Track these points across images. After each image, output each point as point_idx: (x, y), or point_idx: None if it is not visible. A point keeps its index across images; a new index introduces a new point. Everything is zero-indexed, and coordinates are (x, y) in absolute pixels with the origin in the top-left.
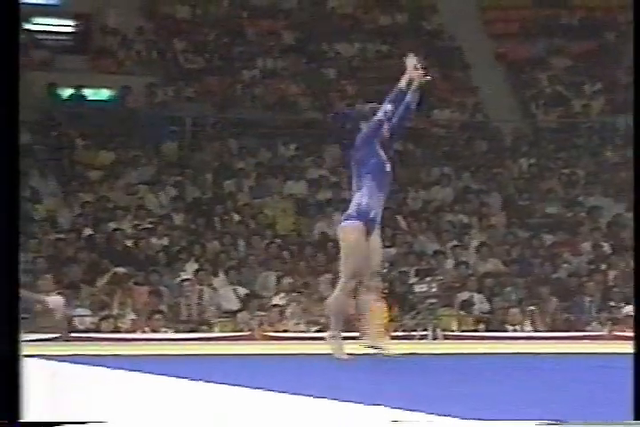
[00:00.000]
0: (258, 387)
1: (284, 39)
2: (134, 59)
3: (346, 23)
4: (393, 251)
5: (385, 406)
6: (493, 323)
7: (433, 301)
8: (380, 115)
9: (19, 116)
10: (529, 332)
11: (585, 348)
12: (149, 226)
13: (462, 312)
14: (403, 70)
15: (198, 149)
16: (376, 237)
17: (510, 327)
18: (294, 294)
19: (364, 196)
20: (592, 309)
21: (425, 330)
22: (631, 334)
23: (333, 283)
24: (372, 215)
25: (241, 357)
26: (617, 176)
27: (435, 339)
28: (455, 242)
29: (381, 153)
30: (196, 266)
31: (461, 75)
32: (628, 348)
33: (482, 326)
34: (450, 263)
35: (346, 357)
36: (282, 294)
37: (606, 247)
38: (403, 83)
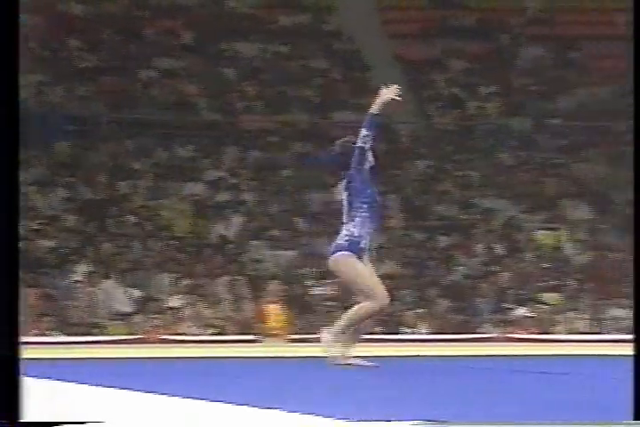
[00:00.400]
0: (149, 391)
1: (183, 38)
2: (26, 56)
3: (246, 23)
4: (291, 253)
5: (279, 409)
6: (390, 325)
7: (331, 303)
8: (359, 142)
9: (19, 116)
10: (424, 334)
11: (477, 350)
12: (38, 227)
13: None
14: (307, 72)
15: (92, 149)
16: (366, 263)
17: (406, 330)
18: (190, 297)
19: (356, 226)
20: (485, 311)
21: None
22: (524, 336)
23: (230, 286)
24: (362, 245)
25: (135, 360)
26: (511, 178)
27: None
28: None
29: (373, 182)
30: (87, 268)
31: (361, 76)
32: (520, 350)
33: (378, 329)
34: None
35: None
36: (178, 297)
37: (500, 249)
38: (375, 108)
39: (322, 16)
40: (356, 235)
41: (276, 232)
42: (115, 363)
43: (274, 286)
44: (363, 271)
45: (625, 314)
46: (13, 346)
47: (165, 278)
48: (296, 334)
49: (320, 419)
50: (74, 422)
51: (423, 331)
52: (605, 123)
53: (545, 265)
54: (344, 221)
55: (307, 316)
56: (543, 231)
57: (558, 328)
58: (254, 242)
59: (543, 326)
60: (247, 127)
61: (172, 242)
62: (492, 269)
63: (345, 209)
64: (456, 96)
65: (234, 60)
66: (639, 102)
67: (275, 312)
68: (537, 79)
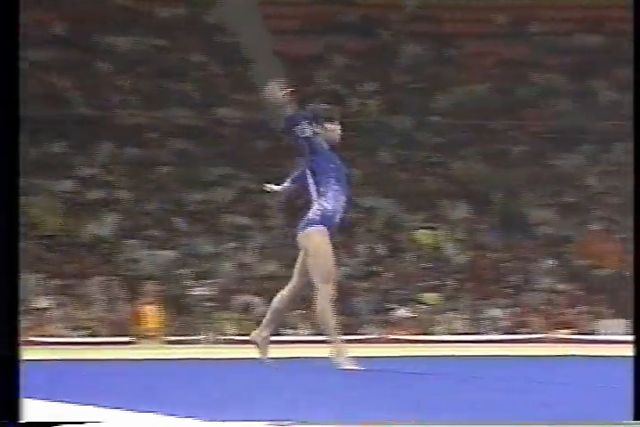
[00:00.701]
0: None
1: (55, 30)
2: None
3: (122, 15)
4: (170, 253)
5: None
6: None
7: (210, 304)
8: (300, 135)
9: (19, 116)
10: (306, 335)
11: (359, 351)
12: None
13: (241, 316)
14: (186, 66)
15: None
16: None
17: (289, 331)
18: (60, 298)
19: (328, 201)
20: (367, 311)
21: (202, 334)
22: (405, 337)
23: (104, 286)
24: (336, 220)
25: None
26: (392, 177)
27: (211, 343)
28: (234, 244)
29: (337, 156)
30: None
31: (241, 71)
32: (402, 351)
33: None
34: (229, 266)
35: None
36: (46, 298)
37: (381, 249)
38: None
39: (201, 9)
40: (329, 209)
41: (153, 231)
42: None
43: (150, 286)
44: (330, 253)
45: (502, 314)
46: (13, 346)
47: (32, 279)
48: (173, 335)
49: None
50: (74, 422)
51: (305, 332)
52: (483, 121)
53: (425, 265)
54: (314, 198)
55: (185, 317)
56: (423, 231)
57: (438, 328)
58: (130, 241)
59: (423, 327)
60: (123, 123)
61: (40, 241)
62: (374, 269)
63: (313, 187)
64: (337, 93)
65: (109, 54)
66: (639, 102)
67: (151, 313)
68: (417, 77)
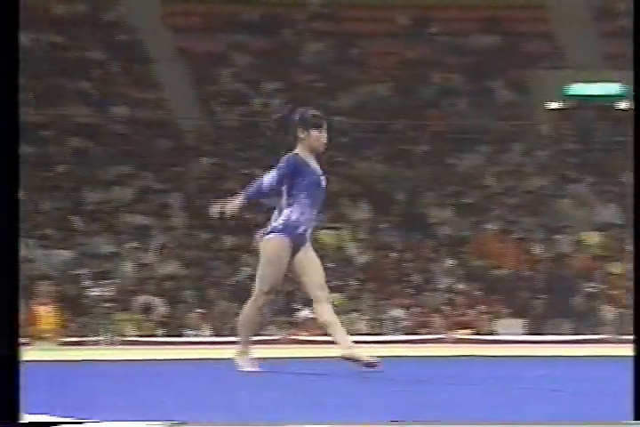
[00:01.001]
0: None
1: None
2: None
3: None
4: (67, 253)
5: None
6: (173, 327)
7: (109, 305)
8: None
9: (19, 116)
10: (208, 336)
11: (263, 352)
12: None
13: (141, 316)
14: (84, 64)
15: None
16: (310, 252)
17: (189, 332)
18: None
19: (294, 211)
20: (271, 312)
21: (100, 335)
22: (308, 338)
23: None
24: (300, 231)
25: None
26: None
27: (110, 345)
28: (134, 244)
29: (317, 169)
30: None
31: (142, 69)
32: (307, 352)
33: (161, 331)
34: (128, 266)
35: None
36: None
37: None
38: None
39: (101, 5)
40: (293, 219)
41: (48, 231)
42: None
43: (45, 286)
44: (283, 264)
45: (404, 314)
46: (13, 346)
47: None
48: (70, 336)
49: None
50: (73, 422)
51: (207, 333)
52: (385, 121)
53: (328, 265)
54: (283, 206)
55: (83, 318)
56: (325, 231)
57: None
58: (25, 241)
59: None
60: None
61: None
62: None
63: (284, 195)
64: (240, 92)
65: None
66: (639, 102)
67: (46, 314)
68: (319, 76)
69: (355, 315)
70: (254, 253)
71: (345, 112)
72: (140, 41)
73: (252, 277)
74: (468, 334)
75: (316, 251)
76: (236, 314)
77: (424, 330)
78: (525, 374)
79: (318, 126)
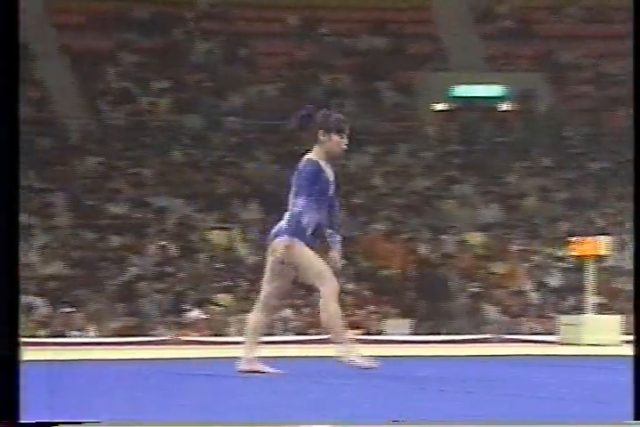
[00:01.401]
0: None
1: None
2: None
3: None
4: None
5: None
6: (56, 328)
7: None
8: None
9: (19, 117)
10: (94, 337)
11: (153, 353)
12: None
13: (23, 317)
14: None
15: None
16: (333, 253)
17: (74, 333)
18: None
19: (302, 214)
20: (158, 313)
21: None
22: (198, 339)
23: None
24: (307, 234)
25: None
26: (184, 177)
27: None
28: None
29: (331, 175)
30: None
31: (25, 66)
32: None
33: (43, 332)
34: None
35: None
36: None
37: (174, 249)
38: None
39: None
40: (302, 222)
41: None
42: None
43: None
44: (310, 255)
45: (294, 315)
46: (13, 347)
47: None
48: None
49: None
50: (73, 422)
51: (91, 334)
52: (275, 121)
53: (218, 266)
54: (290, 206)
55: None
56: (216, 231)
57: (231, 330)
58: None
59: (216, 328)
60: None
61: None
62: (166, 269)
63: (292, 195)
64: (127, 91)
65: None
66: (639, 102)
67: None
68: (209, 75)
69: (245, 316)
70: (144, 253)
71: (235, 112)
72: (24, 38)
73: (140, 278)
74: (357, 335)
75: (207, 251)
76: (125, 314)
77: (314, 330)
78: (414, 374)
79: (341, 131)
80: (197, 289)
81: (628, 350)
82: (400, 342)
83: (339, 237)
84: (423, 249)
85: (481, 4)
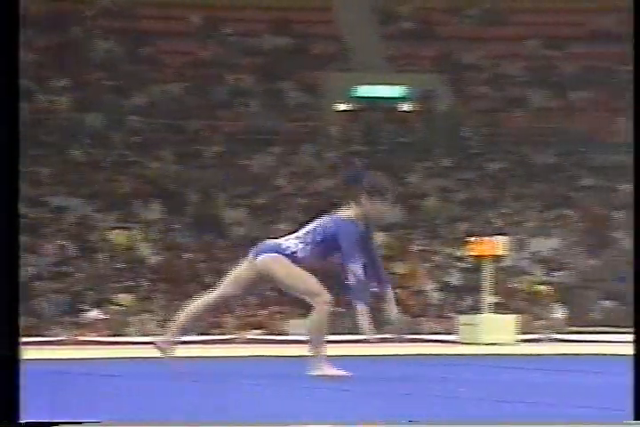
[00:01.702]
0: None
1: None
2: None
3: None
4: None
5: None
6: None
7: None
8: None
9: (18, 117)
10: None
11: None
12: None
13: None
14: None
15: None
16: (390, 306)
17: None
18: None
19: (305, 250)
20: (56, 313)
21: None
22: (96, 339)
23: None
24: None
25: None
26: (84, 176)
27: None
28: None
29: (368, 231)
30: None
31: None
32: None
33: None
34: None
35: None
36: None
37: (72, 249)
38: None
39: None
40: (299, 256)
41: None
42: None
43: None
44: (298, 270)
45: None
46: (13, 347)
47: None
48: None
49: None
50: (72, 422)
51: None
52: (178, 121)
53: (119, 266)
54: (299, 237)
55: None
56: (117, 231)
57: (131, 330)
58: None
59: (116, 328)
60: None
61: None
62: (64, 269)
63: (310, 234)
64: (26, 89)
65: None
66: (639, 102)
67: None
68: (111, 74)
69: (146, 316)
70: (41, 253)
71: (137, 111)
72: None
73: (37, 278)
74: (260, 335)
75: (107, 251)
76: (21, 314)
77: (216, 330)
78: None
79: (384, 198)
80: (97, 289)
81: (525, 349)
82: (303, 342)
83: (390, 289)
84: None
85: (383, 5)
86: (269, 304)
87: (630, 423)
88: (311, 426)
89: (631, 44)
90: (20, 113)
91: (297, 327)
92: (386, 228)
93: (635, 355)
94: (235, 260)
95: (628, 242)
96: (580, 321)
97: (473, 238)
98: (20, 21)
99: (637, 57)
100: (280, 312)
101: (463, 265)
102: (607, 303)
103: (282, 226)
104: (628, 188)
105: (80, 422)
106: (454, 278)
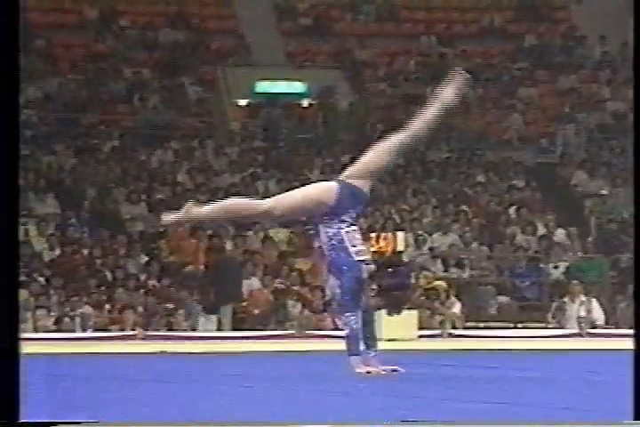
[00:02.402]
0: None
1: None
2: None
3: None
4: None
5: None
6: None
7: None
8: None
9: (19, 117)
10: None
11: None
12: None
13: None
14: None
15: None
16: None
17: None
18: None
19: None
20: None
21: None
22: None
23: None
24: None
25: None
26: None
27: None
28: None
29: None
30: None
31: None
32: None
33: None
34: None
35: None
36: None
37: None
38: None
39: None
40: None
41: None
42: None
43: None
44: None
45: (94, 311)
46: (13, 345)
47: None
48: None
49: None
50: (70, 421)
51: None
52: (74, 114)
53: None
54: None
55: None
56: None
57: (27, 326)
58: None
59: None
60: None
61: None
62: None
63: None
64: None
65: None
66: (639, 102)
67: None
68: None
69: (42, 312)
70: None
71: (31, 105)
72: None
73: None
74: (161, 331)
75: None
76: None
77: (116, 326)
78: (220, 372)
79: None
80: None
81: (424, 345)
82: (206, 337)
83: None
84: (229, 245)
85: (281, 1)
86: (171, 300)
87: (630, 423)
88: (311, 426)
89: (522, 42)
90: (20, 113)
91: (199, 323)
92: (288, 224)
93: (635, 354)
94: (133, 255)
95: (521, 238)
96: (476, 316)
97: (372, 234)
98: (19, 22)
99: (637, 56)
100: (182, 308)
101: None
102: (502, 299)
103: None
104: (519, 183)
105: (78, 423)
106: None
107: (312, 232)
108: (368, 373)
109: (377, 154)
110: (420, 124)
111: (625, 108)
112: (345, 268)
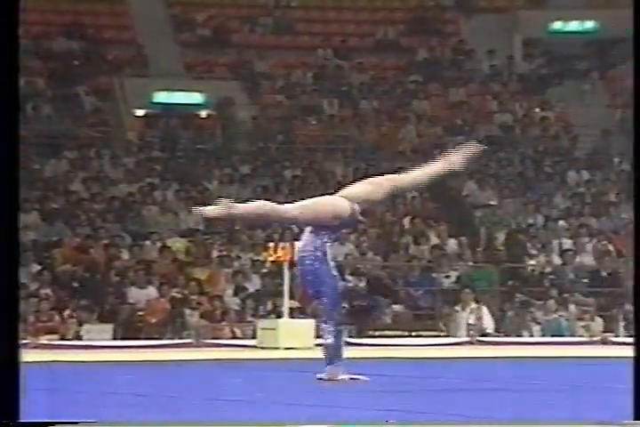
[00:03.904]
0: None
1: None
2: None
3: None
4: None
5: None
6: None
7: None
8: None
9: (19, 117)
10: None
11: None
12: None
13: None
14: None
15: None
16: None
17: None
18: None
19: None
20: None
21: None
22: None
23: None
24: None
25: None
26: None
27: None
28: None
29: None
30: None
31: None
32: None
33: None
34: None
35: None
36: None
37: None
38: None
39: None
40: None
41: None
42: None
43: None
44: None
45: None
46: (13, 349)
47: None
48: None
49: None
50: (68, 422)
51: None
52: None
53: None
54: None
55: None
56: None
57: None
58: None
59: None
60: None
61: None
62: None
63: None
64: None
65: None
66: (639, 102)
67: None
68: None
69: None
70: None
71: None
72: None
73: None
74: (53, 340)
75: None
76: None
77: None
78: (112, 379)
79: None
80: None
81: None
82: (99, 347)
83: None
84: (125, 255)
85: (179, 12)
86: (64, 309)
87: (630, 423)
88: (311, 426)
89: (414, 55)
90: (20, 113)
91: (93, 332)
92: (186, 233)
93: (634, 357)
94: (24, 264)
95: (414, 248)
96: (372, 325)
97: (272, 244)
98: (19, 23)
99: (637, 57)
100: (74, 317)
101: (263, 270)
102: (397, 307)
103: (77, 231)
104: (412, 194)
105: (77, 422)
106: (254, 284)
107: (219, 242)
108: (334, 380)
109: (373, 186)
110: (423, 176)
111: (512, 120)
112: (328, 280)
